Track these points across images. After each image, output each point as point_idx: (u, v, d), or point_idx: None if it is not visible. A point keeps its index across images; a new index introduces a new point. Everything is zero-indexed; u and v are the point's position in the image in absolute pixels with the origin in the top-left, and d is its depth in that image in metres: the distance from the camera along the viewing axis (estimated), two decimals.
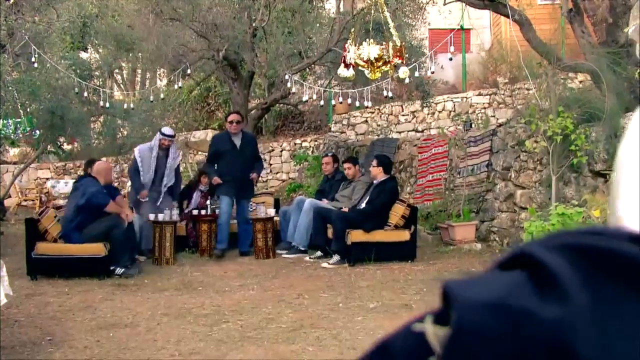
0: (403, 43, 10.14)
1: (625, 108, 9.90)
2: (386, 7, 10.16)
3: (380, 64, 9.69)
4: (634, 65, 10.96)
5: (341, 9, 15.72)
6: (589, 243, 0.66)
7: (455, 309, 0.65)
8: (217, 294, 8.79)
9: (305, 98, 13.92)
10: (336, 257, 10.75)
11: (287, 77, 14.07)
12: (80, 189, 10.26)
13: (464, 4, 15.83)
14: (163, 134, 11.87)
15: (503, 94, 21.03)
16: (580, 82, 17.70)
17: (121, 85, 25.28)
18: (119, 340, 6.88)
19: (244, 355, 6.37)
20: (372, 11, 10.31)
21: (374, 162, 11.53)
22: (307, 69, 16.22)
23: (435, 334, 0.68)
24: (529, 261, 0.68)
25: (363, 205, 11.33)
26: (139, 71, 26.29)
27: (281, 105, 19.54)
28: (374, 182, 11.46)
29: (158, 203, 11.73)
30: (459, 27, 20.58)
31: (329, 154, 13.47)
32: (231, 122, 11.83)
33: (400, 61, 9.80)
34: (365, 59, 9.60)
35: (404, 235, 10.89)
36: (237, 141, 11.82)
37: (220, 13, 14.50)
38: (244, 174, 11.72)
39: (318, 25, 15.60)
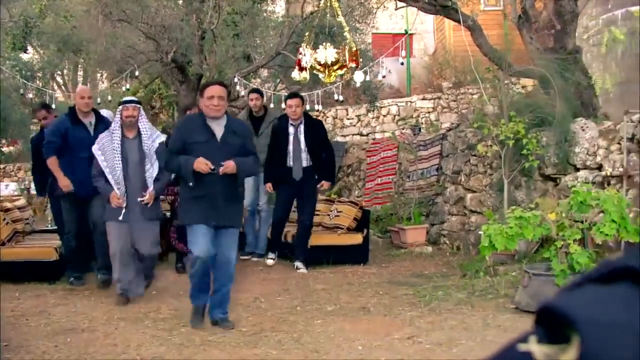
0: (357, 47, 10.18)
1: (574, 113, 10.09)
2: (341, 11, 10.17)
3: (336, 67, 9.71)
4: (581, 72, 11.17)
5: (290, 13, 15.73)
6: None
7: (581, 330, 0.65)
8: (173, 298, 8.69)
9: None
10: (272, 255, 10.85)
11: (236, 80, 14.01)
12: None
13: (408, 9, 16.01)
14: (123, 103, 8.41)
15: (447, 99, 21.25)
16: (523, 87, 17.98)
17: (62, 87, 24.90)
18: (77, 345, 6.78)
19: (207, 358, 6.33)
20: (327, 14, 10.32)
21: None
22: (252, 73, 16.17)
23: (544, 353, 0.68)
24: (634, 274, 0.69)
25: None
26: (80, 73, 25.93)
27: (229, 108, 19.51)
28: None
29: (144, 202, 8.31)
30: (404, 31, 20.80)
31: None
32: (211, 98, 7.06)
33: (355, 65, 9.84)
34: (322, 62, 9.61)
35: (357, 239, 10.92)
36: (218, 129, 7.18)
37: (168, 15, 14.38)
38: (228, 184, 7.12)
39: (267, 28, 15.56)
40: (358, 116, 21.68)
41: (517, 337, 0.72)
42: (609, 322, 0.64)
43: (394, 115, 21.54)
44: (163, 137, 8.54)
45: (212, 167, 6.89)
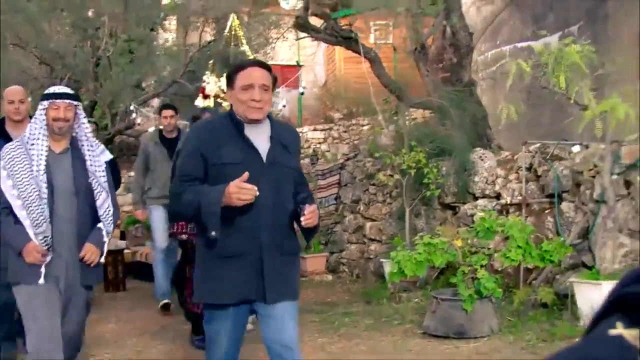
0: None
1: (471, 144, 10.40)
2: (245, 41, 10.25)
3: None
4: (476, 104, 11.54)
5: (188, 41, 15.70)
6: None
7: None
8: None
9: (151, 129, 13.73)
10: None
11: (132, 107, 13.86)
12: None
13: (298, 40, 16.21)
14: (50, 97, 5.11)
15: (338, 129, 21.50)
16: (414, 119, 18.37)
17: None
18: None
19: None
20: (232, 43, 10.37)
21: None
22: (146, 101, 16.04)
23: (635, 337, 0.74)
24: None
25: None
26: None
27: (123, 136, 19.20)
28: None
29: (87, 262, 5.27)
30: (295, 63, 21.02)
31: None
32: (250, 87, 4.48)
33: None
34: (226, 90, 9.63)
35: None
36: (261, 140, 4.71)
37: (63, 41, 14.13)
38: (279, 228, 5.02)
39: (163, 56, 15.47)
40: None
41: (599, 326, 0.78)
42: None
43: None
44: (108, 155, 5.42)
45: (257, 194, 4.03)
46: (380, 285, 10.26)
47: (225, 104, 10.00)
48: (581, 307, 7.14)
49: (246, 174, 3.93)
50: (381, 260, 10.38)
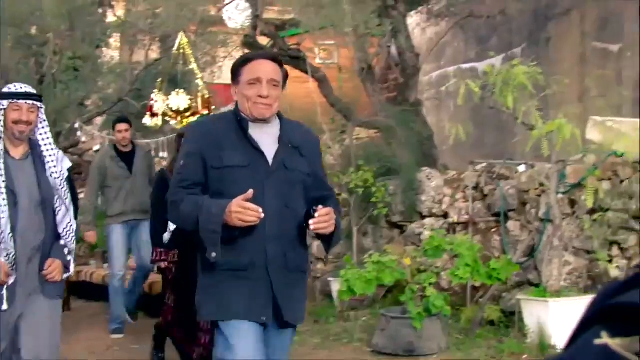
0: (210, 95, 10.27)
1: (417, 163, 10.52)
2: (194, 59, 10.25)
3: (188, 114, 9.74)
4: (422, 124, 11.68)
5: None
6: None
7: None
8: None
9: (96, 147, 13.63)
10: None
11: (77, 125, 13.72)
12: None
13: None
14: (12, 96, 4.59)
15: None
16: (361, 138, 18.49)
17: None
18: None
19: None
20: (181, 61, 10.35)
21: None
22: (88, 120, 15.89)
23: (619, 345, 0.78)
24: None
25: None
26: None
27: (67, 155, 19.06)
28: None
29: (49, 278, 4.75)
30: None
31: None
32: (257, 82, 3.86)
33: (208, 112, 9.90)
34: (174, 108, 9.62)
35: None
36: (268, 141, 3.99)
37: (6, 57, 13.93)
38: (289, 245, 3.97)
39: (109, 74, 15.34)
40: None
41: (583, 337, 0.82)
42: None
43: None
44: (68, 162, 4.83)
45: (262, 216, 3.57)
46: (327, 304, 10.28)
47: (173, 123, 9.97)
48: (528, 324, 7.25)
49: (250, 192, 3.53)
50: (329, 279, 10.40)
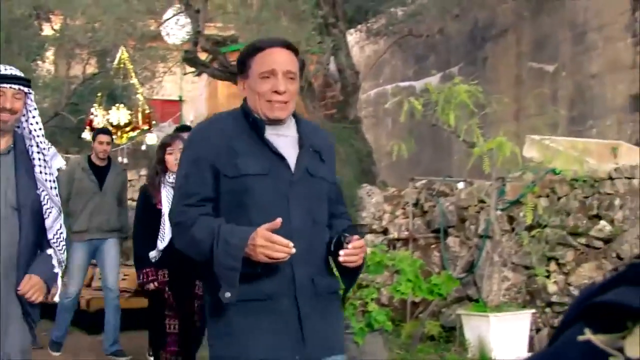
0: (151, 110, 10.22)
1: (357, 180, 10.60)
2: (134, 74, 10.19)
3: (128, 129, 9.68)
4: (362, 141, 11.78)
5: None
6: None
7: None
8: None
9: None
10: None
11: None
12: None
13: (179, 76, 16.19)
14: None
15: None
16: None
17: None
18: None
19: None
20: (122, 76, 10.28)
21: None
22: None
23: (602, 341, 0.83)
24: None
25: None
26: None
27: None
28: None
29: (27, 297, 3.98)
30: (178, 97, 20.95)
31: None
32: (271, 75, 3.13)
33: (148, 127, 9.86)
34: (114, 123, 9.54)
35: (143, 302, 10.69)
36: (287, 145, 3.24)
37: None
38: (317, 269, 3.25)
39: (45, 88, 15.14)
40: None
41: (566, 334, 0.86)
42: None
43: None
44: (62, 162, 4.14)
45: (292, 252, 2.92)
46: None
47: (113, 137, 9.89)
48: (469, 338, 7.34)
49: (279, 221, 2.88)
50: None
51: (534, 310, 7.43)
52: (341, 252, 3.00)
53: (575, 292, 7.34)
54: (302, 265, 3.04)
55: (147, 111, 9.76)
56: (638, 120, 10.23)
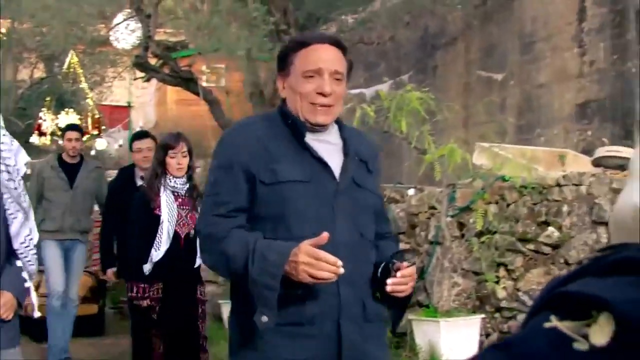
0: (100, 115, 10.15)
1: None
2: (84, 78, 10.11)
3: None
4: None
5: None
6: None
7: (616, 308, 0.84)
8: None
9: None
10: None
11: None
12: None
13: (129, 81, 16.09)
14: None
15: None
16: None
17: None
18: None
19: None
20: (71, 81, 10.20)
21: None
22: None
23: (569, 327, 0.86)
24: (635, 265, 0.89)
25: None
26: None
27: None
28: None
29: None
30: (126, 103, 20.81)
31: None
32: (317, 74, 2.77)
33: (97, 132, 9.78)
34: (63, 128, 9.45)
35: (92, 309, 10.64)
36: (330, 151, 2.86)
37: None
38: (359, 287, 2.81)
39: None
40: None
41: (532, 322, 0.89)
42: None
43: None
44: (26, 156, 3.66)
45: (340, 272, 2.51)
46: (217, 327, 10.22)
47: (61, 141, 9.79)
48: (419, 343, 7.39)
49: (325, 235, 2.51)
50: (219, 301, 10.34)
51: (483, 316, 7.50)
52: (389, 281, 2.64)
53: (524, 298, 7.44)
54: (349, 285, 2.66)
55: (97, 116, 9.68)
56: (584, 129, 10.42)
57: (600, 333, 0.80)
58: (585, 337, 0.81)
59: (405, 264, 2.70)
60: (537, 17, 11.36)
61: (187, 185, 5.66)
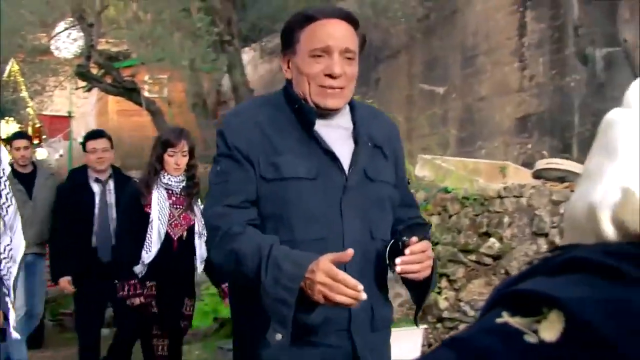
0: (41, 124, 10.03)
1: None
2: (25, 87, 9.98)
3: None
4: None
5: None
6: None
7: (567, 305, 0.88)
8: None
9: None
10: None
11: None
12: None
13: (69, 91, 15.90)
14: None
15: None
16: None
17: None
18: None
19: None
20: (10, 89, 10.06)
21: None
22: None
23: (520, 323, 0.89)
24: (584, 265, 0.93)
25: None
26: None
27: None
28: None
29: None
30: (67, 113, 20.55)
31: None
32: (325, 53, 2.40)
33: (38, 142, 9.66)
34: (3, 137, 9.31)
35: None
36: (341, 138, 2.50)
37: None
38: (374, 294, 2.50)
39: None
40: None
41: (485, 317, 0.92)
42: (589, 299, 0.82)
43: None
44: (7, 155, 3.66)
45: (363, 298, 2.11)
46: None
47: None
48: None
49: (350, 252, 2.16)
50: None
51: (425, 326, 7.55)
52: (397, 261, 2.27)
53: (466, 308, 7.51)
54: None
55: (37, 125, 9.54)
56: (524, 142, 10.58)
57: (550, 329, 0.82)
58: (536, 332, 0.83)
59: (414, 238, 2.31)
60: (478, 32, 11.52)
61: (183, 184, 5.22)
